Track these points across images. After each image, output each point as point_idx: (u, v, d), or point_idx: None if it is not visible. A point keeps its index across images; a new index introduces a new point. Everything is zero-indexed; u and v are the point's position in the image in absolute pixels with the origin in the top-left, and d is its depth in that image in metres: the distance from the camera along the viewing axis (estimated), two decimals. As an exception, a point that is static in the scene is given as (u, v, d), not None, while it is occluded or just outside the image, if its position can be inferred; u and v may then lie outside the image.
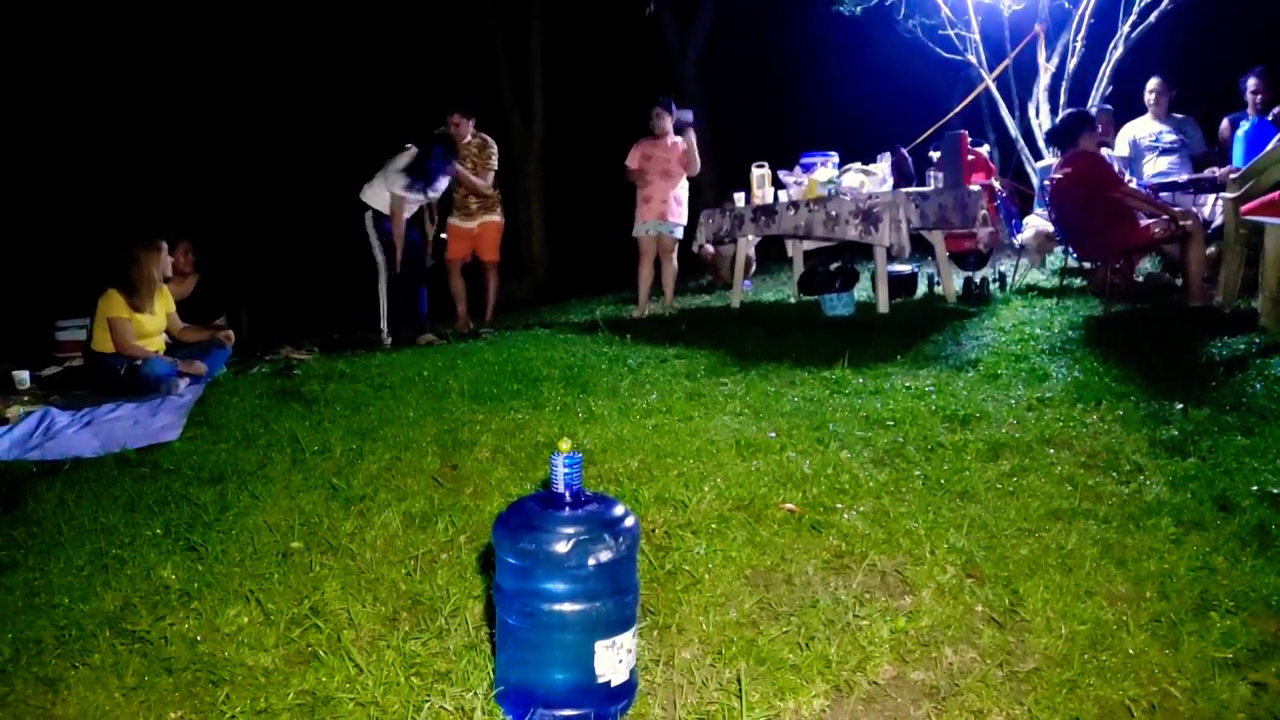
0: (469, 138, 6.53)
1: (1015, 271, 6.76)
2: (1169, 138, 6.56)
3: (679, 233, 6.54)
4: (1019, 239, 6.84)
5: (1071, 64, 8.16)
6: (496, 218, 6.80)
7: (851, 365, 4.08)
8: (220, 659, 1.91)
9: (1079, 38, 8.09)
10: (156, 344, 5.16)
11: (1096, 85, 8.07)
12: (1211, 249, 5.32)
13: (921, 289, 6.73)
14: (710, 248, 7.66)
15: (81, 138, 12.52)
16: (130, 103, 12.65)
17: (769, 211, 6.17)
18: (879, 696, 1.72)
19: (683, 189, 6.55)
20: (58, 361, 6.14)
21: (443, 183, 6.25)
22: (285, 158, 12.80)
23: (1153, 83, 6.62)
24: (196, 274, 6.31)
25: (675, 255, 6.64)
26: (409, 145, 6.16)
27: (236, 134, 12.81)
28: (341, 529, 2.52)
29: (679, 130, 6.58)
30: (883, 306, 5.73)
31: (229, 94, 12.97)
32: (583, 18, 13.43)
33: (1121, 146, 6.66)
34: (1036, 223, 6.66)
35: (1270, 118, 5.86)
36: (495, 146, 6.65)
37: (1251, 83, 6.21)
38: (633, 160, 6.57)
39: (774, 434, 3.08)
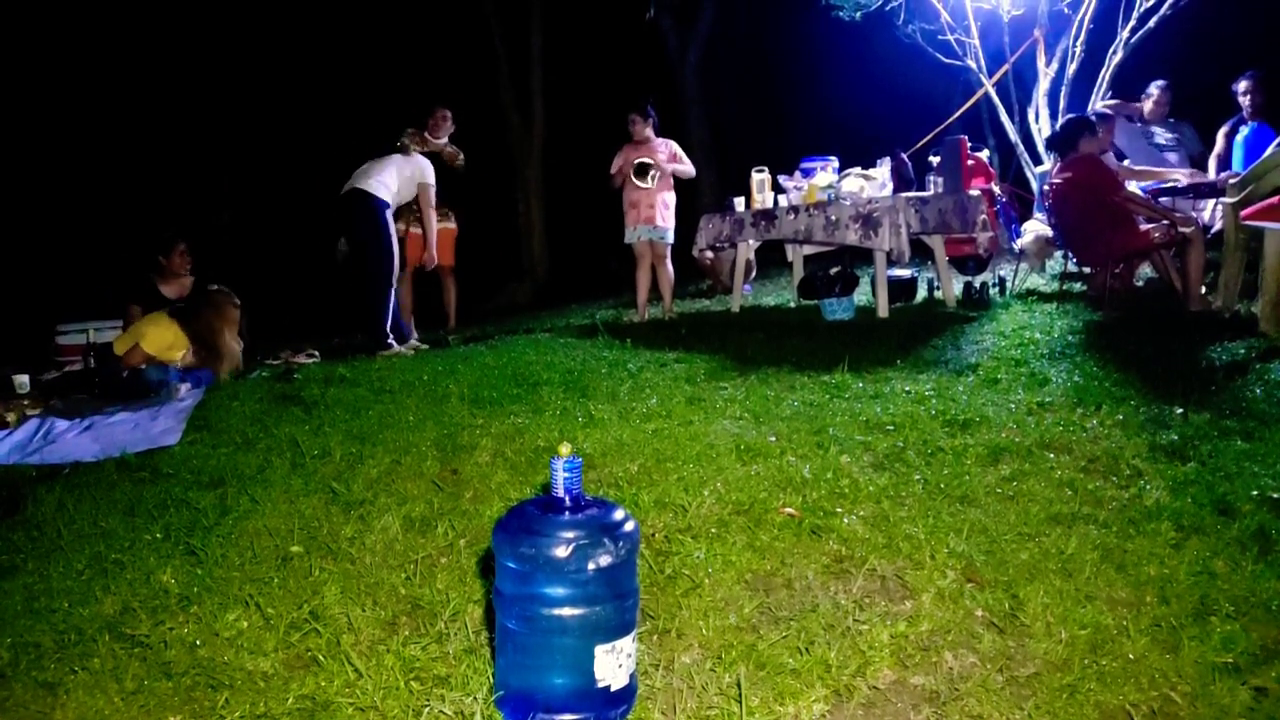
0: (444, 137, 6.82)
1: (1015, 276, 6.77)
2: (1164, 139, 6.60)
3: (670, 237, 6.50)
4: (1018, 244, 6.84)
5: (1071, 69, 8.18)
6: (449, 225, 6.97)
7: (851, 370, 4.08)
8: (220, 663, 1.91)
9: (1078, 43, 8.11)
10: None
11: (1096, 90, 8.09)
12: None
13: (921, 293, 6.74)
14: (709, 253, 7.66)
15: (82, 142, 12.55)
16: (131, 107, 12.67)
17: (769, 216, 6.17)
18: (879, 701, 1.72)
19: (669, 193, 6.50)
20: (58, 366, 6.14)
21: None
22: (284, 160, 12.83)
23: (1154, 86, 6.64)
24: (193, 276, 6.29)
25: (670, 261, 6.62)
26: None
27: (235, 136, 12.83)
28: (341, 533, 2.52)
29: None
30: (882, 311, 5.73)
31: (228, 96, 13.00)
32: (583, 20, 13.46)
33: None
34: (1036, 227, 6.67)
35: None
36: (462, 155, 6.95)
37: (1243, 85, 6.24)
38: (615, 165, 6.54)
39: (774, 438, 3.08)
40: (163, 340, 4.96)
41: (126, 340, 5.03)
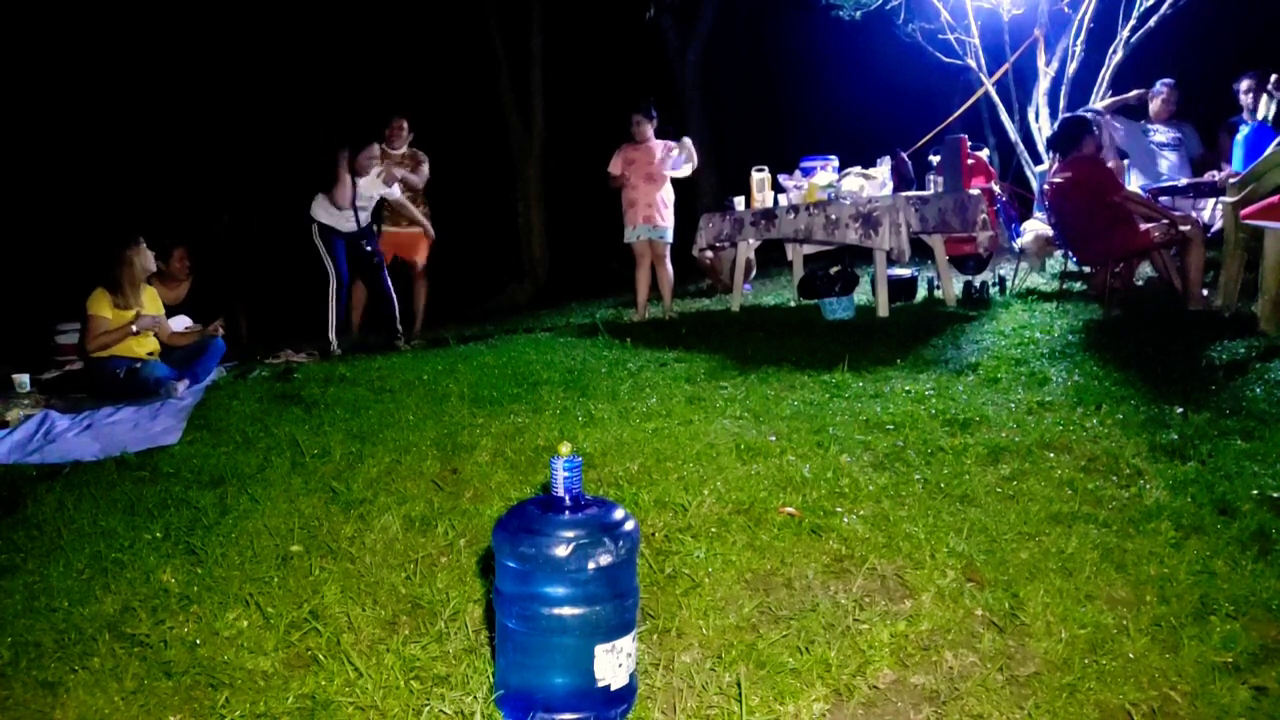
0: (403, 146, 6.69)
1: (1015, 275, 6.77)
2: (1165, 139, 6.60)
3: (669, 236, 6.51)
4: (1018, 243, 6.84)
5: (1071, 68, 8.17)
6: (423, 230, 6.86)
7: (851, 369, 4.08)
8: (220, 663, 1.91)
9: (1078, 42, 8.11)
10: (150, 345, 5.16)
11: (1096, 90, 8.09)
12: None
13: (921, 293, 6.74)
14: (709, 252, 7.65)
15: (81, 143, 12.54)
16: (129, 108, 12.67)
17: (769, 215, 6.18)
18: (879, 701, 1.72)
19: (668, 192, 6.51)
20: (58, 365, 6.14)
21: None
22: (282, 162, 12.81)
23: (1162, 85, 6.64)
24: (191, 278, 6.29)
25: (669, 260, 6.62)
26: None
27: (234, 138, 12.82)
28: (341, 533, 2.52)
29: (663, 135, 6.54)
30: (883, 310, 5.74)
31: (227, 98, 12.99)
32: (583, 20, 13.44)
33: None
34: (1036, 227, 6.67)
35: (1271, 84, 5.95)
36: (427, 162, 6.77)
37: (1244, 85, 6.26)
38: (615, 166, 6.51)
39: (774, 437, 3.08)
40: (99, 302, 4.99)
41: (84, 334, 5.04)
